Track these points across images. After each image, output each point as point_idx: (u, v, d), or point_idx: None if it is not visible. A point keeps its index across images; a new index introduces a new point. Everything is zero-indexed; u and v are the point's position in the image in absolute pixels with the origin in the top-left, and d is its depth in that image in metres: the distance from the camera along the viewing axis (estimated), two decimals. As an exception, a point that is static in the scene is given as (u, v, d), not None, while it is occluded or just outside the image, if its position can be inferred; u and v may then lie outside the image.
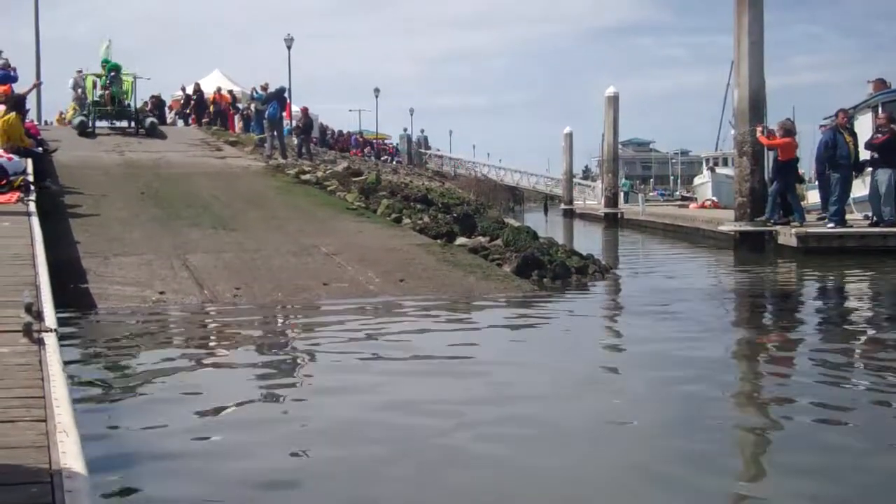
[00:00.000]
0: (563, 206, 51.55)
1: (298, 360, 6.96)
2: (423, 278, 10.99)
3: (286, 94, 28.43)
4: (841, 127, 17.30)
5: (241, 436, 4.72)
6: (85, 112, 26.96)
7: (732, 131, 22.07)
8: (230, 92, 35.65)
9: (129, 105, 27.69)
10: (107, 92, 27.10)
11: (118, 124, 27.49)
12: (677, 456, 4.33)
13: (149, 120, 27.13)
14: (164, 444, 4.51)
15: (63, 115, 29.16)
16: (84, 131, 25.39)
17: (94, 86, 27.86)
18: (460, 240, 13.63)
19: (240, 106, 34.60)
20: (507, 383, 5.87)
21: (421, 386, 5.90)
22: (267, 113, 24.93)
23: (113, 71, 27.51)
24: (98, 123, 26.57)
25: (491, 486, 3.97)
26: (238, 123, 33.51)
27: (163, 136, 26.06)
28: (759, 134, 18.11)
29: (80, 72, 32.86)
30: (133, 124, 27.07)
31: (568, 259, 12.84)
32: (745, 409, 5.38)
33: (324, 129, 51.23)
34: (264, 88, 29.08)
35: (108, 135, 25.90)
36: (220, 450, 4.54)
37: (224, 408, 5.29)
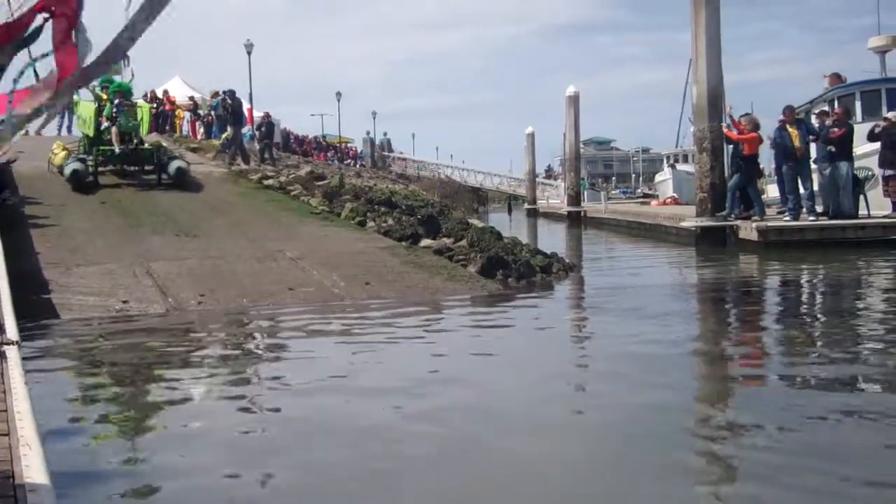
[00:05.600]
0: (526, 205, 51.81)
1: (265, 369, 6.89)
2: (388, 281, 10.99)
3: (233, 101, 25.40)
4: (787, 123, 17.51)
5: (206, 449, 4.66)
6: (81, 155, 18.88)
7: (692, 128, 22.27)
8: (191, 98, 35.36)
9: (144, 143, 19.78)
10: (113, 126, 18.85)
11: (129, 170, 19.29)
12: (637, 455, 4.35)
13: (175, 164, 18.71)
14: (130, 457, 4.46)
15: (50, 157, 19.16)
16: (81, 184, 17.31)
17: (95, 115, 19.30)
18: (425, 241, 13.63)
19: (201, 112, 34.35)
20: (472, 383, 5.87)
21: (386, 391, 5.87)
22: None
23: (120, 95, 19.10)
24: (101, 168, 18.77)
25: (452, 484, 3.98)
26: (199, 130, 33.26)
27: (198, 188, 18.42)
28: (725, 129, 18.32)
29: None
30: (154, 171, 18.86)
31: (532, 258, 12.89)
32: (708, 407, 5.43)
33: (286, 134, 51.00)
34: (215, 96, 28.96)
35: (118, 187, 17.97)
36: (187, 462, 4.47)
37: (191, 419, 5.25)
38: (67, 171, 17.59)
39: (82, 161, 18.26)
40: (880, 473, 3.89)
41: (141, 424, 5.11)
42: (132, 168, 19.11)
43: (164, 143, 22.19)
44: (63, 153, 18.95)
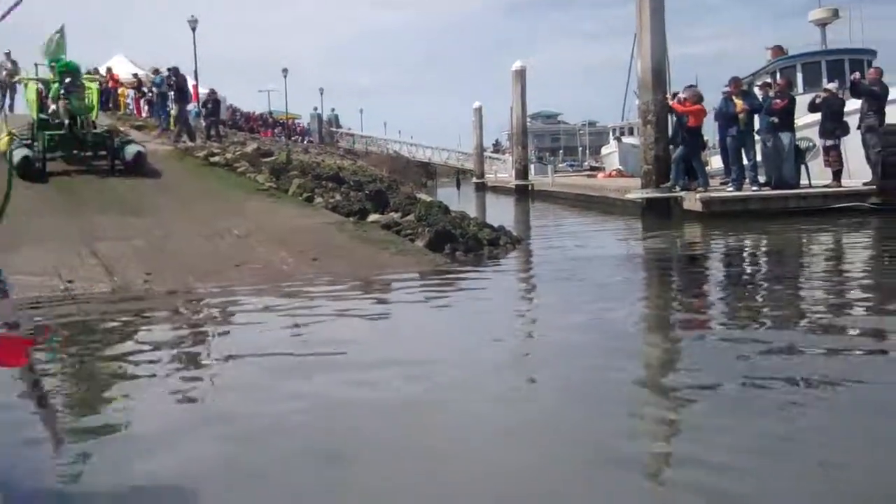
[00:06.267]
0: (474, 179, 51.96)
1: (210, 348, 6.85)
2: (336, 256, 11.00)
3: (177, 78, 24.94)
4: (734, 94, 17.78)
5: (151, 435, 4.47)
6: (27, 139, 17.42)
7: (637, 101, 22.51)
8: (135, 75, 34.88)
9: (97, 127, 18.58)
10: (62, 106, 17.71)
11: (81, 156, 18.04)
12: (582, 429, 4.42)
13: (132, 149, 17.70)
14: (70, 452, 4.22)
15: None
16: (29, 170, 15.71)
17: (41, 96, 18.21)
18: (373, 216, 13.66)
19: (145, 90, 33.91)
20: (418, 360, 5.90)
21: (336, 362, 5.89)
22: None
23: (69, 74, 17.97)
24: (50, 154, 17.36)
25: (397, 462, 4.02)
26: (144, 108, 32.84)
27: (156, 174, 17.34)
28: (671, 100, 18.54)
29: (8, 55, 28.08)
30: (107, 157, 17.77)
31: (480, 232, 12.98)
32: (654, 376, 5.52)
33: (233, 111, 50.53)
34: (156, 72, 28.71)
35: (68, 174, 16.82)
36: (130, 447, 4.29)
37: (134, 402, 5.15)
38: (16, 157, 15.99)
39: (30, 147, 16.91)
40: (821, 428, 4.00)
41: (86, 410, 5.05)
42: (83, 154, 17.89)
43: (108, 121, 21.80)
44: (7, 138, 17.53)
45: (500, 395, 4.92)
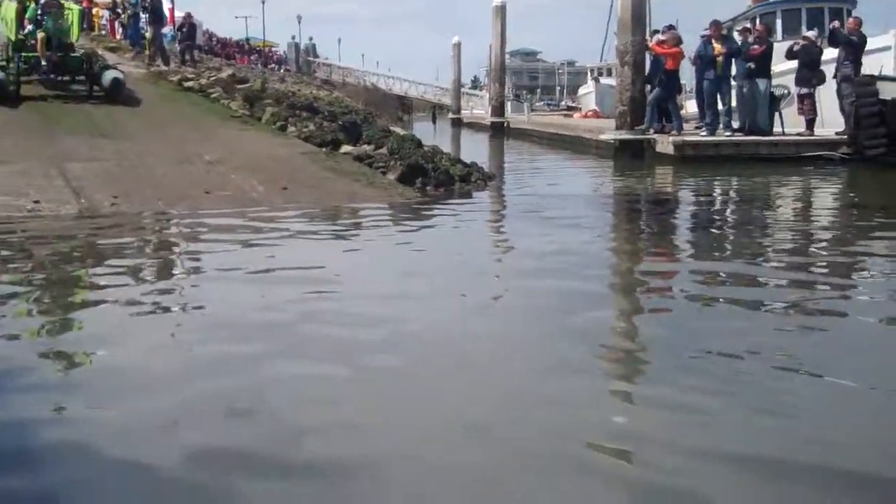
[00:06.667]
0: (451, 115, 51.76)
1: (169, 272, 6.83)
2: (307, 186, 11.00)
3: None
4: (713, 38, 17.76)
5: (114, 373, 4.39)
6: (2, 62, 16.56)
7: (616, 42, 22.42)
8: (109, -5, 34.27)
9: (76, 50, 17.71)
10: (38, 29, 17.08)
11: (58, 81, 17.11)
12: (547, 373, 4.50)
13: (109, 75, 16.77)
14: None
15: None
16: (1, 95, 15.06)
17: (18, 17, 17.33)
18: (345, 148, 13.63)
19: (119, 11, 33.37)
20: (384, 295, 5.95)
21: (299, 294, 5.93)
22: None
23: None
24: (26, 78, 16.54)
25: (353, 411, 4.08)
26: (119, 29, 32.35)
27: (136, 102, 16.51)
28: (650, 41, 18.51)
29: None
30: (85, 82, 16.98)
31: (452, 167, 12.99)
32: (618, 316, 5.61)
33: (209, 36, 49.88)
34: None
35: (44, 99, 15.94)
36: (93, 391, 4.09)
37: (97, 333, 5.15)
38: None
39: (3, 69, 15.96)
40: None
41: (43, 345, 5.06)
42: (60, 78, 17.09)
43: (81, 41, 20.12)
44: None
45: (458, 317, 5.01)
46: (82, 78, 17.07)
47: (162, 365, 4.23)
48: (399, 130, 18.32)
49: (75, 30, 17.89)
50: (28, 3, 17.44)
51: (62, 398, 3.74)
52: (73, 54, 17.29)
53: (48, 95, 16.25)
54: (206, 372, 4.10)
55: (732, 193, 13.11)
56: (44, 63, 16.80)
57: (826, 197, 12.72)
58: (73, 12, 17.97)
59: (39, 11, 17.15)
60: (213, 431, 3.39)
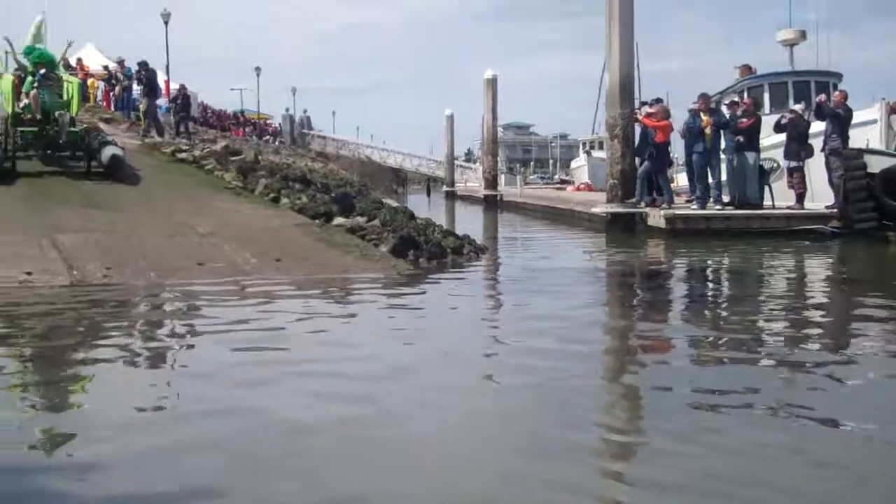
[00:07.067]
0: (445, 188, 52.04)
1: (163, 347, 6.80)
2: (299, 258, 11.01)
3: (146, 72, 24.48)
4: (702, 111, 17.95)
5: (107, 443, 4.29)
6: None
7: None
8: (105, 67, 34.65)
9: (75, 125, 16.83)
10: (33, 99, 16.15)
11: (56, 156, 16.43)
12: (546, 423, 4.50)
13: (108, 151, 15.99)
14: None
15: None
16: None
17: (14, 89, 16.49)
18: (338, 220, 13.66)
19: (114, 83, 33.70)
20: (375, 362, 5.94)
21: (295, 364, 5.91)
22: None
23: (43, 66, 16.64)
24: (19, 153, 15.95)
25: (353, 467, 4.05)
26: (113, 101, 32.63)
27: (134, 180, 15.78)
28: (640, 115, 18.71)
29: None
30: (83, 159, 16.25)
31: (444, 239, 13.02)
32: (610, 383, 5.61)
33: (203, 108, 50.32)
34: (121, 63, 28.63)
35: (41, 176, 15.38)
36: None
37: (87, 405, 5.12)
38: None
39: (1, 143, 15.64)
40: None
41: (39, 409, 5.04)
42: (58, 154, 16.37)
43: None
44: None
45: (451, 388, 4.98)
46: (80, 154, 16.39)
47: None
48: (392, 202, 18.41)
49: (75, 104, 17.13)
50: (26, 75, 16.68)
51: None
52: (72, 129, 16.46)
53: (45, 172, 15.73)
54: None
55: (724, 267, 13.15)
56: (38, 116, 16.07)
57: (817, 271, 12.77)
58: (72, 85, 17.30)
59: (36, 84, 16.30)
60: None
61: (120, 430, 4.34)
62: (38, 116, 16.18)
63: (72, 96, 16.95)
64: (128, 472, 3.78)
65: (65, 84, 17.24)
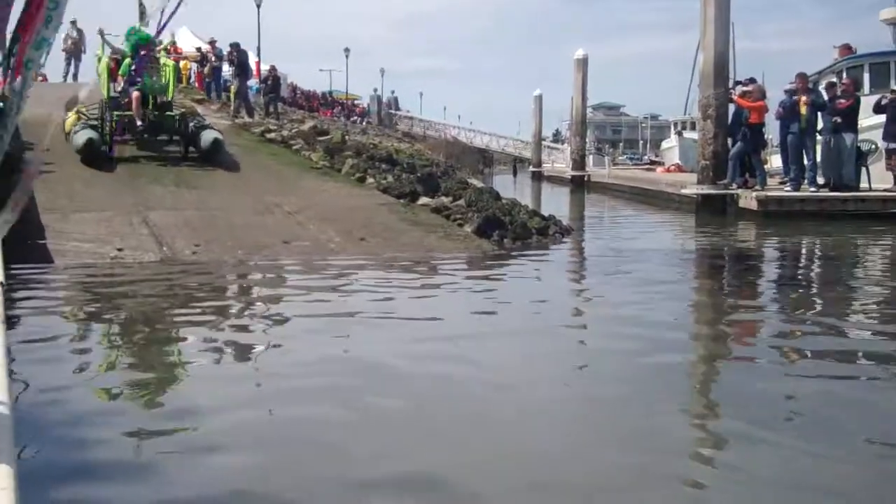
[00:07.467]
0: (531, 168, 51.71)
1: (253, 322, 6.89)
2: (383, 237, 11.03)
3: (238, 53, 24.72)
4: (800, 91, 17.43)
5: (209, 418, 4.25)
6: (95, 121, 15.53)
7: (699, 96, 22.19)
8: (199, 49, 35.21)
9: (172, 109, 16.49)
10: (132, 87, 15.70)
11: (153, 141, 16.17)
12: (630, 424, 4.39)
13: (209, 136, 15.73)
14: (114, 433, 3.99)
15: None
16: (94, 155, 14.49)
17: (111, 73, 15.95)
18: (423, 199, 13.65)
19: (205, 63, 34.22)
20: (461, 344, 5.89)
21: (380, 345, 5.90)
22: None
23: (143, 48, 15.73)
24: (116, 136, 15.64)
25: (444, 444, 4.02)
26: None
27: (235, 167, 15.54)
28: (734, 93, 18.28)
29: (73, 23, 27.29)
30: (180, 143, 16.17)
31: (529, 220, 12.90)
32: (698, 372, 5.47)
33: (293, 89, 50.85)
34: (212, 44, 28.98)
35: (137, 161, 15.31)
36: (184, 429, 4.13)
37: (185, 383, 5.15)
38: (79, 140, 14.40)
39: (96, 129, 15.03)
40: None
41: (133, 387, 5.11)
42: (155, 138, 16.12)
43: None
44: (74, 116, 15.79)
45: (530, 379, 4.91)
46: (177, 138, 16.21)
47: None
48: (477, 183, 18.32)
49: (171, 87, 16.62)
50: (124, 57, 16.06)
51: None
52: (168, 113, 16.22)
53: (141, 157, 15.60)
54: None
55: (818, 250, 12.78)
56: (139, 123, 15.64)
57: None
58: (169, 68, 16.73)
59: (133, 67, 15.69)
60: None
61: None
62: (136, 107, 15.65)
63: (169, 80, 16.45)
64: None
65: (162, 67, 16.67)
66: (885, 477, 3.52)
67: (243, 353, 5.62)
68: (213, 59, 28.66)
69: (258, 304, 7.56)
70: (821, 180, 17.68)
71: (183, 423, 4.11)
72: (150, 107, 15.91)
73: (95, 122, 15.50)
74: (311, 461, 3.64)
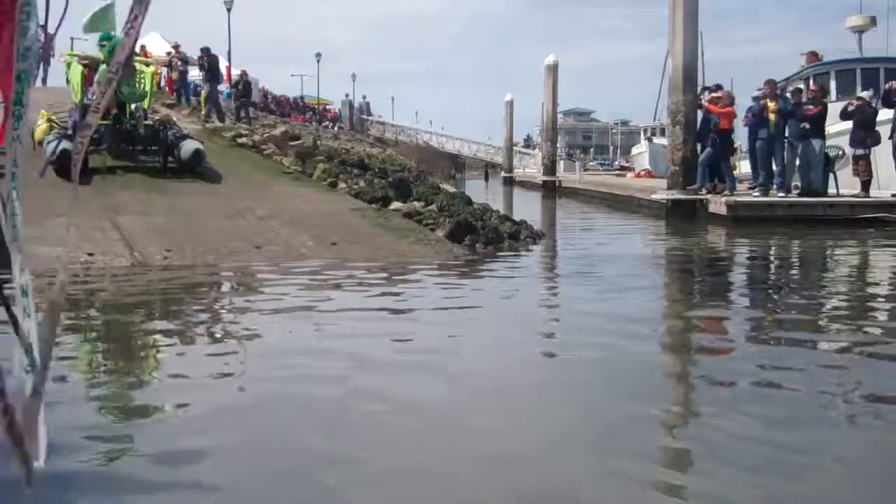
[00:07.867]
0: (503, 173, 51.94)
1: (219, 325, 6.91)
2: (355, 242, 11.04)
3: (209, 58, 25.35)
4: (768, 97, 17.63)
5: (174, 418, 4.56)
6: (68, 130, 14.45)
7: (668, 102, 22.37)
8: (168, 53, 35.07)
9: (148, 118, 15.98)
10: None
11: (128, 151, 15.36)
12: (606, 409, 4.45)
13: (189, 146, 15.23)
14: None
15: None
16: (68, 168, 12.22)
17: (85, 79, 15.01)
18: (395, 204, 13.69)
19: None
20: (431, 349, 5.91)
21: (352, 349, 5.91)
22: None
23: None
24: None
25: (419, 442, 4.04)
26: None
27: (216, 178, 15.04)
28: (704, 101, 18.45)
29: (43, 27, 27.73)
30: (158, 153, 15.43)
31: (501, 224, 12.97)
32: (667, 368, 5.53)
33: (264, 94, 50.74)
34: (176, 48, 28.83)
35: (112, 171, 14.45)
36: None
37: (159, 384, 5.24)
38: (50, 149, 13.46)
39: (70, 139, 13.40)
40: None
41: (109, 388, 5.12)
42: (132, 148, 15.35)
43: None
44: (44, 125, 15.17)
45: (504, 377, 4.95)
46: (155, 148, 15.48)
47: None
48: (449, 188, 18.38)
49: (149, 95, 16.09)
50: (100, 64, 14.74)
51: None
52: (145, 122, 15.61)
53: (118, 167, 14.79)
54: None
55: (785, 254, 12.92)
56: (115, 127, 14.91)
57: (882, 259, 12.46)
58: (146, 75, 15.95)
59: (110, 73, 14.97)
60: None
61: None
62: (114, 110, 14.98)
63: (146, 88, 15.82)
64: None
65: (139, 74, 15.87)
66: (842, 461, 3.58)
67: (212, 356, 5.56)
68: (178, 63, 28.49)
69: (228, 308, 7.55)
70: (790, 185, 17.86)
71: (152, 427, 4.12)
72: (128, 115, 15.32)
73: (68, 132, 14.36)
74: (286, 467, 3.64)
